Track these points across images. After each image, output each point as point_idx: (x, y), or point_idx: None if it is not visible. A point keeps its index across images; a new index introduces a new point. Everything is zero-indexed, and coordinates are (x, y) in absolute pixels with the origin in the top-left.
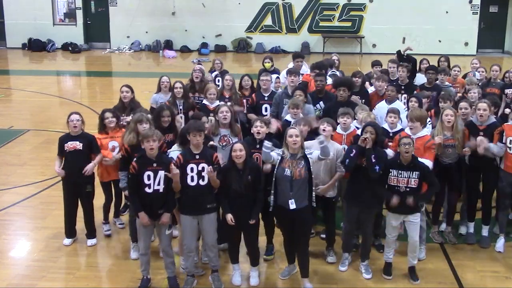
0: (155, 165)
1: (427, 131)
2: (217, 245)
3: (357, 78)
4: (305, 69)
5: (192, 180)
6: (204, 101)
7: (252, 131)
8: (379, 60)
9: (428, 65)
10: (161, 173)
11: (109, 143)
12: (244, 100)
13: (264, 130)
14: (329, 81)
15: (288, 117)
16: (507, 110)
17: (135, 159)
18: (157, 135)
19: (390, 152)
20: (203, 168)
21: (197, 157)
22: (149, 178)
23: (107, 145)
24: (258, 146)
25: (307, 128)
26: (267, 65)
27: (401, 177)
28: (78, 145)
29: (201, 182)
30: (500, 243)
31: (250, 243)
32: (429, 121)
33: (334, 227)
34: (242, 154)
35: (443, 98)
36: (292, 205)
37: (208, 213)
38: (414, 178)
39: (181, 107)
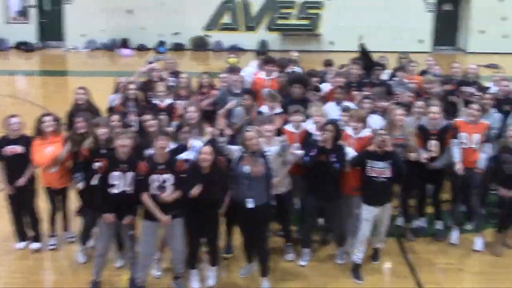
0: (124, 165)
1: (368, 131)
2: (184, 250)
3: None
4: (251, 69)
5: (155, 190)
6: (155, 100)
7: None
8: (330, 60)
9: (381, 62)
10: (130, 174)
11: (46, 149)
12: (201, 98)
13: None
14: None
15: (264, 109)
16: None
17: (105, 158)
18: (131, 134)
19: (349, 150)
20: (165, 179)
21: (162, 167)
22: (116, 179)
23: (44, 151)
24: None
25: (271, 127)
26: (232, 60)
27: (376, 167)
28: (19, 148)
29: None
30: (454, 235)
31: (211, 242)
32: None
33: (290, 223)
34: (209, 158)
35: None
36: (250, 204)
37: (173, 219)
38: (387, 167)
39: (132, 108)
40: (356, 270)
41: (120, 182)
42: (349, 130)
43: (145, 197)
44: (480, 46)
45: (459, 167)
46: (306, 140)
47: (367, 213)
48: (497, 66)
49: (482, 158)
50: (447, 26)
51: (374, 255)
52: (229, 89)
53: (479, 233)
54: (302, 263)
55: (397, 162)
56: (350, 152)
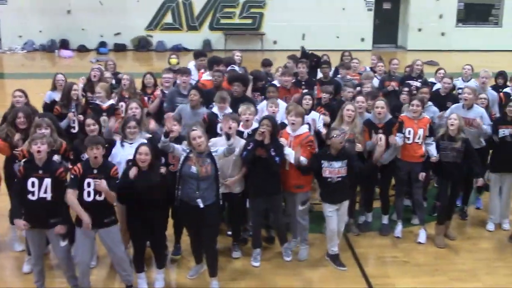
0: (41, 172)
1: (306, 127)
2: (128, 257)
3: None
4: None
5: (89, 195)
6: (97, 101)
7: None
8: (268, 59)
9: (328, 60)
10: (47, 181)
11: None
12: (146, 98)
13: (177, 128)
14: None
15: (215, 110)
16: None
17: (22, 163)
18: (47, 139)
19: (289, 151)
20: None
21: (95, 171)
22: (33, 185)
23: None
24: None
25: (235, 124)
26: (173, 60)
27: (331, 168)
28: None
29: (98, 198)
30: (398, 229)
31: (157, 245)
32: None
33: (240, 222)
34: (147, 158)
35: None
36: (200, 203)
37: (107, 227)
38: (343, 167)
39: (73, 110)
40: (337, 260)
41: (36, 188)
42: (288, 128)
43: (70, 195)
44: (419, 43)
45: (434, 159)
46: (248, 137)
47: (329, 210)
48: (437, 63)
49: (431, 149)
50: (387, 24)
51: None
52: (177, 90)
53: (422, 226)
54: (255, 264)
55: (352, 161)
56: (290, 152)
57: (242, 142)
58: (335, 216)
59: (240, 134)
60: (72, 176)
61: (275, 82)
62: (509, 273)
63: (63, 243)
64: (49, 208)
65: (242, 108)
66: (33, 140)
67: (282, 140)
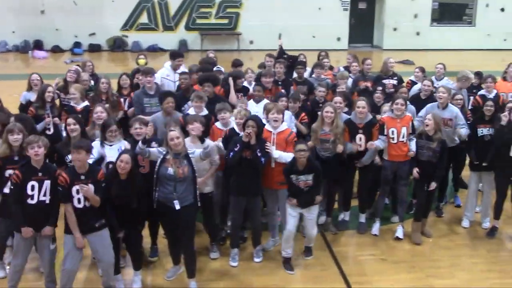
0: (40, 174)
1: (286, 125)
2: (113, 263)
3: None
4: (164, 71)
5: (79, 202)
6: (71, 102)
7: (131, 132)
8: (239, 59)
9: (303, 60)
10: (47, 183)
11: None
12: (122, 100)
13: (144, 131)
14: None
15: (191, 111)
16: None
17: (18, 167)
18: (42, 141)
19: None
20: (89, 184)
21: (82, 177)
22: (33, 189)
23: None
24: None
25: (200, 126)
26: (142, 61)
27: (299, 180)
28: None
29: (87, 204)
30: (376, 227)
31: (133, 246)
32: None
33: (215, 222)
34: (127, 166)
35: (293, 98)
36: (177, 205)
37: (98, 231)
38: (310, 179)
39: (48, 111)
40: (287, 263)
41: (36, 192)
42: (268, 126)
43: (69, 210)
44: (394, 43)
45: (411, 154)
46: (230, 137)
47: (292, 210)
48: (412, 62)
49: (411, 144)
50: (363, 24)
51: (306, 251)
52: (144, 91)
53: (400, 223)
54: (233, 264)
55: (318, 173)
56: (275, 152)
57: (212, 144)
58: (297, 218)
59: (233, 133)
60: (61, 188)
61: (245, 83)
62: (485, 269)
63: (52, 246)
64: (46, 211)
65: (218, 107)
66: (30, 143)
67: (267, 145)
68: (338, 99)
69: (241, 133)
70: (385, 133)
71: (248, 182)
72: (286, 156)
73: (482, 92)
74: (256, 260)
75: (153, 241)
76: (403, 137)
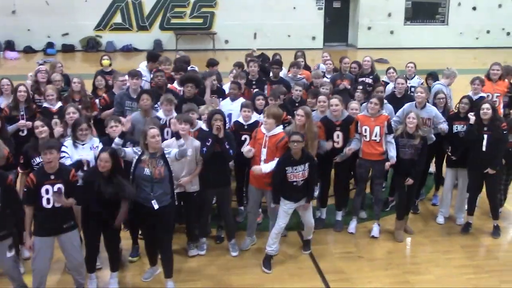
0: None
1: (280, 128)
2: (83, 262)
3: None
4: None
5: (48, 202)
6: (45, 104)
7: (107, 131)
8: (214, 59)
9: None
10: None
11: None
12: (97, 100)
13: (119, 129)
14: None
15: (160, 114)
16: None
17: None
18: None
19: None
20: (59, 188)
21: (52, 177)
22: None
23: None
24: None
25: (188, 126)
26: (106, 62)
27: (296, 172)
28: None
29: (57, 204)
30: (353, 225)
31: (112, 245)
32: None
33: (195, 221)
34: (106, 165)
35: (273, 95)
36: (155, 205)
37: (67, 232)
38: (306, 170)
39: (23, 113)
40: (267, 260)
41: None
42: (263, 128)
43: (28, 211)
44: (368, 41)
45: (392, 161)
46: (200, 135)
47: (286, 206)
48: (387, 61)
49: (391, 150)
50: (337, 23)
51: (304, 246)
52: (127, 93)
53: (376, 221)
54: (201, 252)
55: (312, 163)
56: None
57: (196, 143)
58: (290, 215)
59: (201, 132)
60: (26, 189)
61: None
62: (459, 265)
63: (10, 254)
64: None
65: (185, 108)
66: None
67: (247, 148)
68: (322, 98)
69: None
70: (359, 131)
71: (217, 174)
72: (271, 165)
73: (469, 93)
74: (233, 254)
75: (134, 241)
76: (375, 135)
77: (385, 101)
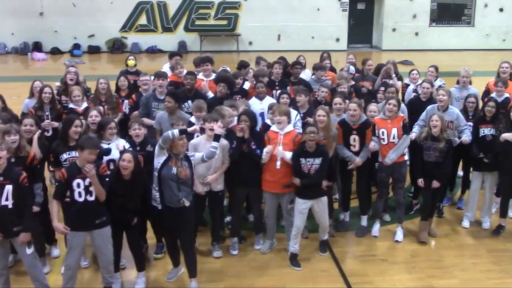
0: (1, 178)
1: (291, 126)
2: (113, 260)
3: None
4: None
5: (80, 196)
6: (71, 105)
7: (130, 134)
8: (246, 61)
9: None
10: (8, 188)
11: None
12: (122, 101)
13: (143, 132)
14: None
15: (193, 119)
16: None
17: None
18: (5, 145)
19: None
20: (90, 182)
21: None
22: None
23: None
24: (138, 148)
25: (219, 123)
26: (131, 62)
27: (309, 164)
28: None
29: (89, 198)
30: (376, 228)
31: (133, 246)
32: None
33: (221, 221)
34: (129, 165)
35: (298, 92)
36: (187, 202)
37: (99, 228)
38: (318, 163)
39: (47, 113)
40: (294, 259)
41: None
42: (274, 128)
43: (54, 204)
44: (393, 43)
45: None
46: (228, 135)
47: (301, 206)
48: (412, 63)
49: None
50: (362, 25)
51: (321, 247)
52: (153, 95)
53: (399, 225)
54: (234, 252)
55: (326, 156)
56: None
57: (224, 142)
58: (305, 215)
59: (229, 132)
60: (57, 184)
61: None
62: (485, 269)
63: (29, 251)
64: (11, 216)
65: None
66: None
67: (268, 147)
68: (338, 100)
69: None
70: (377, 134)
71: (247, 174)
72: (288, 155)
73: (493, 96)
74: (257, 247)
75: (159, 239)
76: (393, 138)
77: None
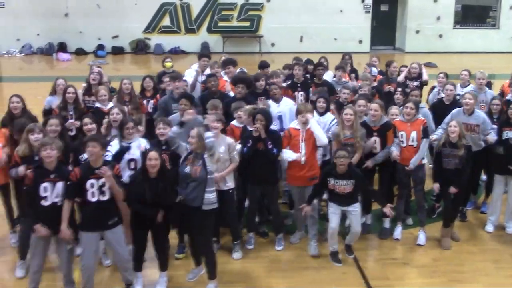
0: (52, 176)
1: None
2: (130, 258)
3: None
4: (193, 72)
5: (93, 196)
6: (97, 104)
7: (156, 133)
8: (266, 61)
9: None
10: (59, 185)
11: None
12: (145, 102)
13: (168, 131)
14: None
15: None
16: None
17: (31, 169)
18: (56, 144)
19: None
20: (104, 183)
21: (97, 171)
22: (45, 190)
23: None
24: (164, 148)
25: (220, 125)
26: (168, 64)
27: (337, 185)
28: None
29: (102, 198)
30: (398, 231)
31: (159, 247)
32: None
33: (236, 220)
34: (157, 163)
35: (318, 93)
36: (178, 199)
37: (112, 228)
38: (349, 185)
39: (71, 112)
40: (334, 256)
41: (49, 193)
42: (294, 124)
43: (66, 205)
44: (416, 45)
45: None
46: (243, 133)
47: (333, 209)
48: (435, 65)
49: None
50: (385, 26)
51: (347, 250)
52: (172, 97)
53: (422, 228)
54: (249, 247)
55: (359, 183)
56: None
57: (229, 140)
58: (339, 215)
59: (245, 130)
60: (69, 183)
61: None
62: (508, 275)
63: (69, 246)
64: (60, 212)
65: (234, 105)
66: (43, 145)
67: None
68: (361, 102)
69: (251, 128)
70: (397, 136)
71: (263, 171)
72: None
73: (508, 97)
74: (278, 248)
75: (181, 239)
76: (412, 141)
77: (422, 104)
